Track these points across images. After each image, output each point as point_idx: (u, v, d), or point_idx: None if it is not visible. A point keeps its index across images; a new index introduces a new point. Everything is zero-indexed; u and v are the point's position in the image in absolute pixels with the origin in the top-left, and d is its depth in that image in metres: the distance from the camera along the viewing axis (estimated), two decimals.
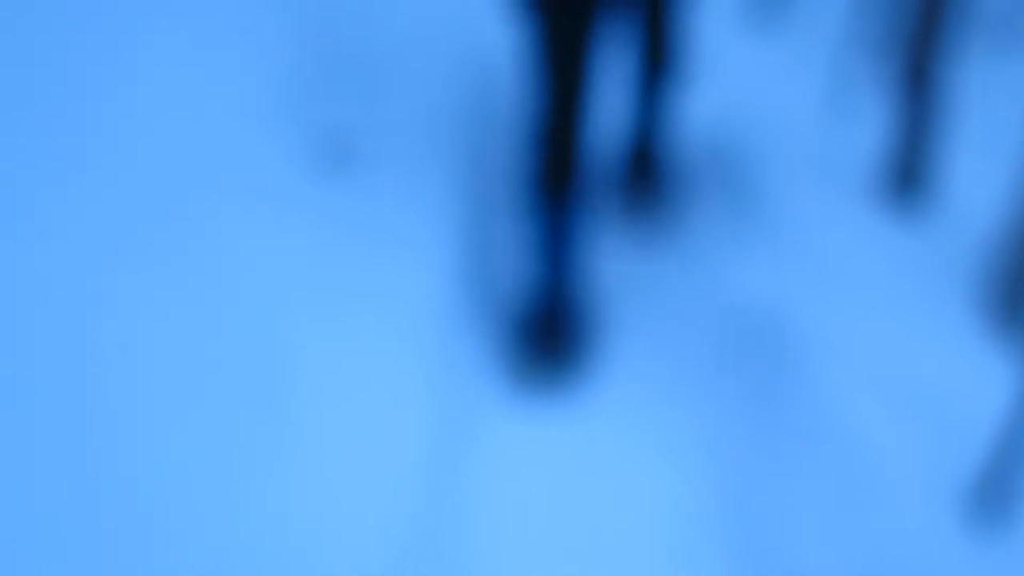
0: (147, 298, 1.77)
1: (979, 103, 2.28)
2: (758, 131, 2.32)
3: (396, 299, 1.86)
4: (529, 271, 1.78)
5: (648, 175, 2.04)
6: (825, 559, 1.54)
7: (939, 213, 2.13)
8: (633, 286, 1.93)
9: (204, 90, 2.20)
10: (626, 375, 1.79)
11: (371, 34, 2.48)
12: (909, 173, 2.14)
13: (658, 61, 1.89)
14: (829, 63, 2.47)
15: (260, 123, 2.15)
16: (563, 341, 1.75)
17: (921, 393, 1.77)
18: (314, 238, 1.94)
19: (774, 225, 2.08)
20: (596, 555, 1.53)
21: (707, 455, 1.66)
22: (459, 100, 2.32)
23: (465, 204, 2.06)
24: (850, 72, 2.41)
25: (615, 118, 2.09)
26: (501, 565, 1.51)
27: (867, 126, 2.31)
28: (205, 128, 2.11)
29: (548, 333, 1.75)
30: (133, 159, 2.02)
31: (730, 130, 2.32)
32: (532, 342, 1.74)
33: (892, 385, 1.79)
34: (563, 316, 1.76)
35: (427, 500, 1.57)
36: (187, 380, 1.66)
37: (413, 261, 1.93)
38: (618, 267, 1.97)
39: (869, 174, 2.21)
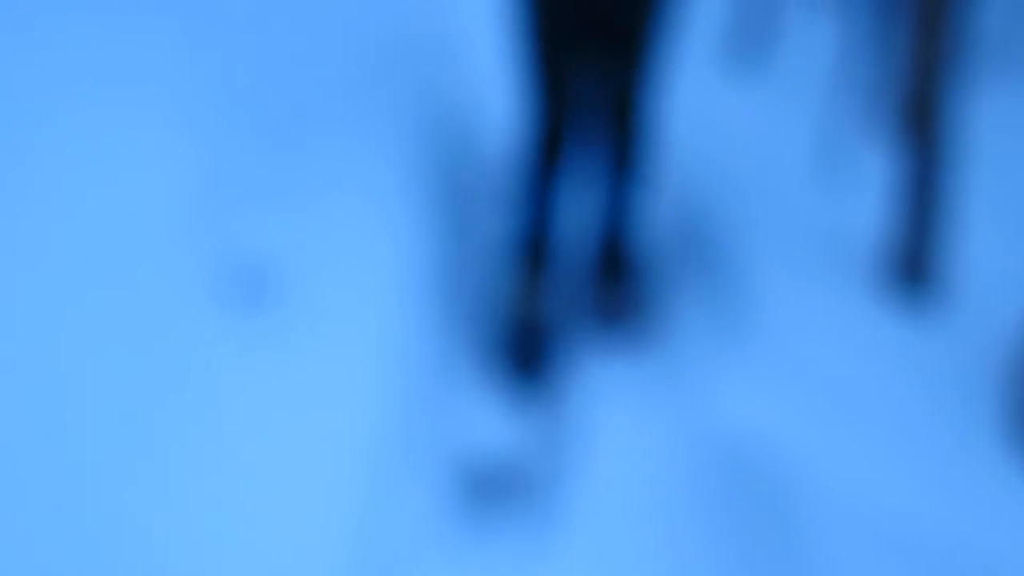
0: None
1: (993, 156, 2.01)
2: (740, 205, 2.07)
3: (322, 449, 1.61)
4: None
5: (620, 275, 1.90)
6: None
7: (953, 306, 1.85)
8: (604, 403, 1.73)
9: (94, 191, 1.90)
10: (592, 508, 1.60)
11: (308, 99, 2.23)
12: (916, 254, 1.86)
13: (626, 160, 1.83)
14: (818, 113, 2.20)
15: (159, 239, 1.86)
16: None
17: (936, 546, 1.51)
18: (223, 380, 1.69)
19: (759, 327, 1.85)
20: None
21: None
22: (410, 207, 2.05)
23: (412, 360, 1.80)
24: (842, 124, 2.14)
25: (584, 218, 1.94)
26: None
27: (865, 191, 2.05)
28: (87, 246, 1.82)
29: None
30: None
31: (710, 205, 2.06)
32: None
33: (901, 534, 1.53)
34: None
35: None
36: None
37: (349, 396, 1.69)
38: (589, 380, 1.77)
39: (869, 256, 1.93)
